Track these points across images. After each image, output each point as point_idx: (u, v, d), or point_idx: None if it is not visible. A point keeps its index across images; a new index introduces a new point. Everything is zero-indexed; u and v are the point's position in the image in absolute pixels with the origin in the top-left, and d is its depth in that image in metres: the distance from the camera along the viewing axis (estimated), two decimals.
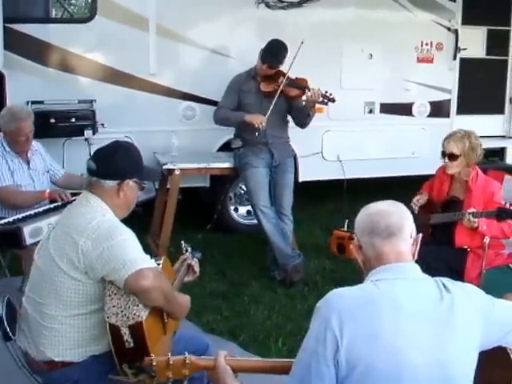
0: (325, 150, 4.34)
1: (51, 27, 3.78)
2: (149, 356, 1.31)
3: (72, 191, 2.77)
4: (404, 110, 4.53)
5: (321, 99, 3.33)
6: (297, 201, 3.58)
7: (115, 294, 1.53)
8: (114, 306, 1.50)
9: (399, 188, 4.03)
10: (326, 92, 3.33)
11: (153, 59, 3.84)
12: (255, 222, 3.65)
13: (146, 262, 1.57)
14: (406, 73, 4.51)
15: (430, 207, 2.89)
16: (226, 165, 3.67)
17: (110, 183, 1.67)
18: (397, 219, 1.25)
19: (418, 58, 4.51)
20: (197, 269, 1.90)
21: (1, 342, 1.69)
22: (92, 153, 1.90)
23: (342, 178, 4.26)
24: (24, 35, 3.57)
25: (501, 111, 4.99)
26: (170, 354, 1.28)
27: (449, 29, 4.56)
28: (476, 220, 2.61)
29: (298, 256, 3.46)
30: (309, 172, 4.19)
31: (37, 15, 3.92)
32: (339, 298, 1.19)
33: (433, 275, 1.26)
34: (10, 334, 1.63)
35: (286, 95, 3.42)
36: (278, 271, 3.42)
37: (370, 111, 4.45)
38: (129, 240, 1.59)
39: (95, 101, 3.69)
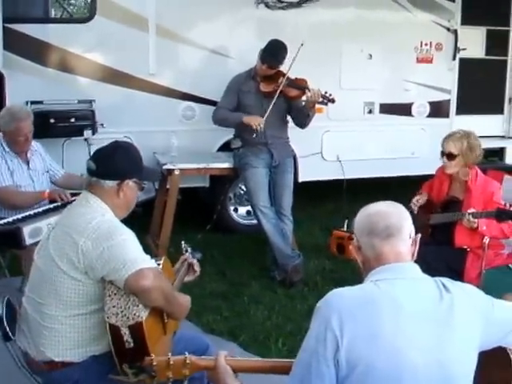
0: (324, 151, 4.34)
1: (51, 27, 3.77)
2: (149, 356, 1.31)
3: (72, 191, 2.77)
4: (403, 110, 4.53)
5: (320, 99, 3.33)
6: (296, 201, 3.58)
7: (115, 294, 1.53)
8: (114, 306, 1.50)
9: (399, 188, 4.04)
10: (326, 92, 3.33)
11: (152, 59, 3.84)
12: (255, 222, 3.65)
13: (147, 261, 1.57)
14: (406, 73, 4.51)
15: (429, 207, 2.89)
16: (226, 165, 3.67)
17: (110, 183, 1.67)
18: (396, 220, 1.25)
19: (417, 59, 4.51)
20: (197, 268, 1.90)
21: (1, 343, 1.69)
22: (91, 153, 1.90)
23: (342, 178, 4.26)
24: (23, 35, 3.57)
25: (500, 111, 4.99)
26: (170, 354, 1.28)
27: (448, 29, 4.56)
28: (475, 220, 2.61)
29: (297, 256, 3.46)
30: (308, 172, 4.19)
31: (36, 15, 3.92)
32: (339, 298, 1.19)
33: (432, 275, 1.26)
34: (10, 334, 1.63)
35: (285, 95, 3.42)
36: (278, 271, 3.42)
37: (370, 111, 4.45)
38: (129, 240, 1.59)
39: (95, 101, 3.69)
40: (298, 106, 3.47)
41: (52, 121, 3.52)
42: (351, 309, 1.16)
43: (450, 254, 2.72)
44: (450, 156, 2.75)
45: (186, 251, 1.93)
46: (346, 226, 3.83)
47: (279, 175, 3.48)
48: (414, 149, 4.51)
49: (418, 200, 2.84)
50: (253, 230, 3.90)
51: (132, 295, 1.52)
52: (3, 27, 3.44)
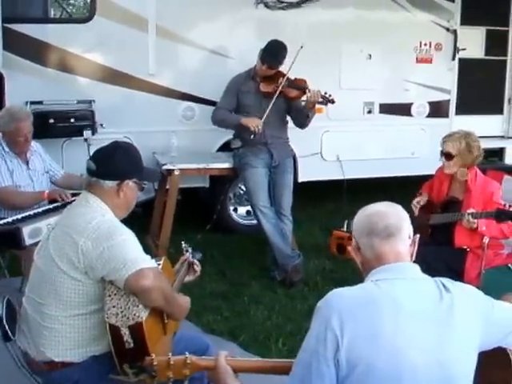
0: (324, 151, 4.34)
1: (50, 27, 3.77)
2: (149, 356, 1.31)
3: (72, 191, 2.77)
4: (403, 110, 4.53)
5: (320, 100, 3.33)
6: (296, 201, 3.58)
7: (115, 294, 1.53)
8: (113, 307, 1.50)
9: (399, 188, 4.04)
10: (326, 93, 3.33)
11: (152, 59, 3.84)
12: (255, 222, 3.66)
13: (147, 261, 1.57)
14: (405, 73, 4.51)
15: (429, 208, 2.89)
16: (226, 165, 3.67)
17: (110, 183, 1.67)
18: (395, 220, 1.26)
19: (417, 59, 4.51)
20: (197, 268, 1.90)
21: (1, 343, 1.69)
22: (91, 153, 1.90)
23: (342, 178, 4.26)
24: (23, 35, 3.57)
25: (500, 111, 4.99)
26: (170, 354, 1.28)
27: (448, 29, 4.56)
28: (475, 221, 2.62)
29: (297, 256, 3.46)
30: (308, 172, 4.19)
31: (35, 15, 3.91)
32: (339, 297, 1.19)
33: (432, 275, 1.26)
34: (10, 334, 1.63)
35: (285, 96, 3.42)
36: (278, 271, 3.42)
37: (369, 111, 4.45)
38: (129, 240, 1.59)
39: (94, 101, 3.68)
40: (297, 107, 3.47)
41: (51, 121, 3.51)
42: (351, 309, 1.16)
43: (450, 254, 2.72)
44: (448, 156, 2.76)
45: (187, 251, 1.93)
46: (345, 226, 3.83)
47: (279, 175, 3.48)
48: (414, 149, 4.51)
49: (419, 202, 2.84)
50: (253, 230, 3.90)
51: (132, 295, 1.52)
52: (2, 27, 3.44)
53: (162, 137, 3.84)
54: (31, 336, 1.63)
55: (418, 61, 4.52)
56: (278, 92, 3.35)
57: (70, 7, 4.56)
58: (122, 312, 1.50)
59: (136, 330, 1.48)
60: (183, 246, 1.95)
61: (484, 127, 4.53)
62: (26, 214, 2.57)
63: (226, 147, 3.91)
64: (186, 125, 3.99)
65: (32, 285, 1.67)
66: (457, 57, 4.62)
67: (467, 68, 4.70)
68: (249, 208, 3.92)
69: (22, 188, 2.79)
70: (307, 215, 4.44)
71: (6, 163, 2.78)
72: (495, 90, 4.92)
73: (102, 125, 3.66)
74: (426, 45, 4.51)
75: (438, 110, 4.63)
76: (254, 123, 3.29)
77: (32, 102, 3.53)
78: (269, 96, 3.38)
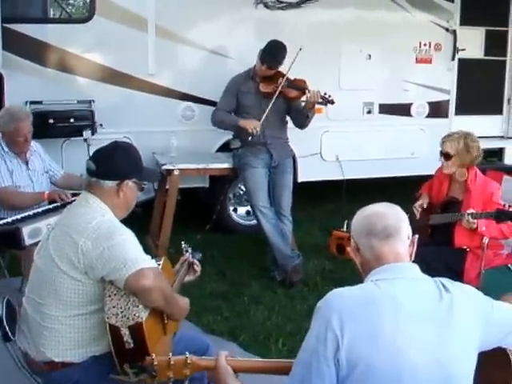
0: (324, 151, 4.34)
1: (49, 27, 3.77)
2: (149, 356, 1.31)
3: (72, 192, 2.77)
4: (403, 110, 4.54)
5: (320, 100, 3.33)
6: (296, 201, 3.59)
7: (115, 294, 1.53)
8: (113, 307, 1.50)
9: (398, 188, 4.05)
10: (325, 94, 3.33)
11: (152, 59, 3.84)
12: (254, 222, 3.66)
13: (147, 261, 1.57)
14: (405, 73, 4.52)
15: (429, 208, 2.89)
16: (225, 165, 3.67)
17: (110, 184, 1.67)
18: (394, 221, 1.26)
19: (416, 59, 4.52)
20: (197, 268, 1.90)
21: (1, 343, 1.69)
22: (91, 153, 1.90)
23: (341, 178, 4.27)
24: (22, 35, 3.56)
25: (499, 112, 4.99)
26: (170, 354, 1.28)
27: (447, 29, 4.57)
28: (475, 221, 2.62)
29: (297, 256, 3.47)
30: (308, 172, 4.19)
31: (35, 15, 3.91)
32: (339, 298, 1.19)
33: (432, 275, 1.26)
34: (10, 334, 1.63)
35: (285, 96, 3.42)
36: (278, 272, 3.42)
37: (369, 112, 4.46)
38: (129, 240, 1.59)
39: (94, 101, 3.68)
40: (297, 107, 3.47)
41: (51, 121, 3.51)
42: (351, 309, 1.16)
43: (450, 255, 2.72)
44: (446, 156, 2.76)
45: (187, 251, 1.93)
46: (345, 226, 3.83)
47: (278, 175, 3.48)
48: (414, 149, 4.51)
49: (421, 205, 2.85)
50: (252, 231, 3.90)
51: (132, 296, 1.52)
52: (2, 27, 3.44)
53: (161, 137, 3.84)
54: (31, 336, 1.63)
55: (418, 61, 4.52)
56: (277, 92, 3.35)
57: (70, 7, 4.56)
58: (122, 312, 1.50)
59: (136, 330, 1.48)
60: (183, 246, 1.95)
61: (483, 127, 4.54)
62: (26, 214, 2.57)
63: (225, 147, 3.91)
64: (186, 125, 3.98)
65: (32, 285, 1.67)
66: (456, 57, 4.62)
67: (467, 68, 4.70)
68: (248, 208, 3.92)
69: (22, 188, 2.79)
70: (307, 215, 4.44)
71: (5, 163, 2.78)
72: (495, 90, 4.92)
73: (101, 125, 3.65)
74: (425, 45, 4.51)
75: (437, 110, 4.64)
76: (252, 125, 3.29)
77: (31, 102, 3.53)
78: (268, 96, 3.38)
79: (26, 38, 3.57)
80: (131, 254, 1.55)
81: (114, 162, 1.69)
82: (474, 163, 2.77)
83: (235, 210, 4.22)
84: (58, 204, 2.67)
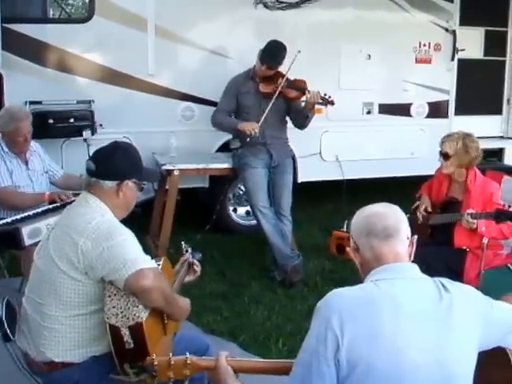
0: (323, 151, 4.35)
1: (49, 27, 3.77)
2: (149, 357, 1.31)
3: (73, 192, 2.77)
4: (402, 110, 4.54)
5: (320, 101, 3.33)
6: (296, 201, 3.58)
7: (115, 294, 1.52)
8: (113, 307, 1.50)
9: (398, 188, 4.05)
10: (325, 94, 3.33)
11: (151, 60, 3.84)
12: (254, 222, 3.66)
13: (147, 262, 1.57)
14: (405, 73, 4.52)
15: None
16: (225, 165, 3.67)
17: (109, 184, 1.67)
18: (393, 221, 1.27)
19: (416, 59, 4.52)
20: (197, 268, 1.90)
21: (1, 343, 1.68)
22: (91, 153, 1.90)
23: (341, 178, 4.27)
24: (22, 35, 3.56)
25: (499, 112, 5.00)
26: (171, 354, 1.28)
27: (447, 30, 4.57)
28: (474, 221, 2.62)
29: (297, 256, 3.46)
30: (307, 172, 4.19)
31: (34, 15, 3.91)
32: (339, 298, 1.19)
33: (432, 276, 1.26)
34: (10, 334, 1.63)
35: (284, 96, 3.42)
36: (278, 272, 3.42)
37: (369, 112, 4.46)
38: (129, 240, 1.59)
39: (94, 101, 3.68)
40: (297, 108, 3.47)
41: (51, 121, 3.51)
42: (351, 309, 1.16)
43: (450, 255, 2.72)
44: (445, 156, 2.77)
45: (186, 251, 1.93)
46: (345, 226, 3.83)
47: (278, 175, 3.48)
48: (413, 149, 4.51)
49: (425, 208, 2.84)
50: (252, 231, 3.91)
51: (132, 296, 1.52)
52: (1, 27, 3.44)
53: (161, 137, 3.84)
54: (31, 336, 1.62)
55: (417, 61, 4.53)
56: (277, 92, 3.35)
57: (69, 7, 4.56)
58: (122, 312, 1.50)
59: (136, 330, 1.48)
60: (183, 246, 1.95)
61: (483, 127, 4.55)
62: (26, 214, 2.57)
63: (225, 147, 3.91)
64: (186, 125, 3.98)
65: (32, 285, 1.66)
66: (456, 57, 4.62)
67: (466, 68, 4.70)
68: (248, 208, 3.92)
69: (22, 188, 2.79)
70: (307, 215, 4.45)
71: (5, 163, 2.78)
72: (494, 90, 4.93)
73: (101, 125, 3.65)
74: (425, 45, 4.52)
75: (437, 110, 4.64)
76: (251, 127, 3.30)
77: (31, 102, 3.53)
78: (268, 96, 3.38)
79: (25, 38, 3.57)
80: (131, 254, 1.55)
81: (114, 162, 1.69)
82: (472, 164, 2.77)
83: (235, 210, 4.23)
84: (58, 204, 2.67)
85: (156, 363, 1.25)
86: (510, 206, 2.61)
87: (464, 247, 2.75)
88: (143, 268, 1.53)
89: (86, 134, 3.55)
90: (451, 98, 4.68)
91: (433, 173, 3.00)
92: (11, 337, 1.64)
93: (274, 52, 3.37)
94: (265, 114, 3.32)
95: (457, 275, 2.57)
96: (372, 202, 1.33)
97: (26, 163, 2.85)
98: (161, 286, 1.56)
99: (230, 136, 3.71)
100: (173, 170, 3.50)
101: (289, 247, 3.46)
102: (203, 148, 3.95)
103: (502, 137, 5.02)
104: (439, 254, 2.70)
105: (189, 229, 3.81)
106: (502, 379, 1.29)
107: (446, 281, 1.24)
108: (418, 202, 2.97)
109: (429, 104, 4.60)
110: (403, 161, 4.48)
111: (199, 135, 3.94)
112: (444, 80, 4.63)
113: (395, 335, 1.14)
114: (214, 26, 3.98)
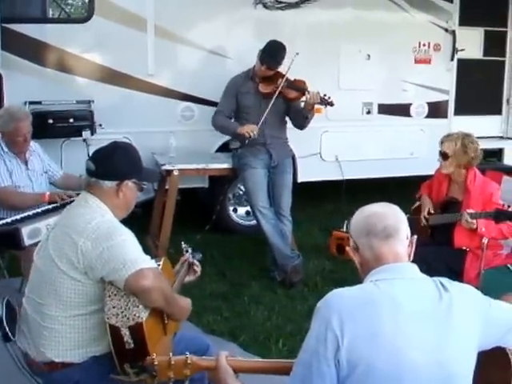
0: (323, 151, 4.35)
1: (48, 27, 3.77)
2: (149, 357, 1.31)
3: (74, 191, 2.77)
4: (402, 110, 4.54)
5: (319, 101, 3.33)
6: (296, 201, 3.58)
7: (115, 294, 1.52)
8: (113, 307, 1.50)
9: (398, 188, 4.05)
10: (325, 95, 3.33)
11: (151, 60, 3.84)
12: (254, 222, 3.66)
13: (147, 262, 1.57)
14: (404, 74, 4.52)
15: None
16: (225, 165, 3.67)
17: (109, 184, 1.67)
18: (393, 221, 1.27)
19: (415, 59, 4.52)
20: (197, 268, 1.90)
21: (1, 343, 1.68)
22: (90, 153, 1.90)
23: (341, 178, 4.27)
24: (21, 35, 3.56)
25: (498, 112, 5.00)
26: (171, 355, 1.28)
27: (446, 30, 4.57)
28: (474, 221, 2.62)
29: (297, 257, 3.47)
30: (307, 173, 4.19)
31: (34, 15, 3.90)
32: (339, 298, 1.19)
33: (432, 276, 1.27)
34: (10, 335, 1.63)
35: (284, 97, 3.42)
36: (278, 272, 3.42)
37: (368, 112, 4.46)
38: (128, 240, 1.59)
39: (93, 101, 3.68)
40: (296, 108, 3.47)
41: (50, 121, 3.51)
42: (351, 309, 1.16)
43: (450, 255, 2.73)
44: (444, 156, 2.77)
45: (186, 252, 1.93)
46: (345, 226, 3.83)
47: (278, 175, 3.48)
48: (413, 149, 4.51)
49: (429, 210, 2.84)
50: (252, 231, 3.91)
51: (132, 296, 1.52)
52: (1, 27, 3.44)
53: (161, 137, 3.84)
54: (31, 336, 1.62)
55: (417, 61, 4.53)
56: (277, 93, 3.35)
57: (69, 7, 4.55)
58: (122, 312, 1.49)
59: (136, 330, 1.48)
60: (183, 246, 1.95)
61: (483, 128, 4.55)
62: (26, 214, 2.57)
63: (225, 147, 3.91)
64: (185, 125, 3.99)
65: (32, 285, 1.66)
66: (455, 57, 4.63)
67: (466, 68, 4.71)
68: (248, 208, 3.92)
69: (21, 188, 2.79)
70: (306, 215, 4.45)
71: (5, 163, 2.78)
72: (494, 90, 4.93)
73: (100, 125, 3.65)
74: (424, 45, 4.52)
75: (436, 110, 4.64)
76: (249, 129, 3.30)
77: (31, 102, 3.53)
78: (268, 97, 3.39)
79: (25, 38, 3.57)
80: (131, 255, 1.55)
81: (114, 163, 1.69)
82: (471, 164, 2.77)
83: (235, 211, 4.23)
84: (58, 204, 2.67)
85: (156, 363, 1.25)
86: (509, 206, 2.61)
87: (464, 247, 2.75)
88: (143, 268, 1.53)
89: (86, 134, 3.55)
90: (451, 98, 4.69)
91: (432, 173, 3.01)
92: (11, 337, 1.64)
93: (273, 52, 3.37)
94: (265, 114, 3.32)
95: (457, 275, 2.57)
96: (372, 202, 1.33)
97: (26, 163, 2.85)
98: (161, 286, 1.56)
99: (229, 136, 3.71)
100: (172, 170, 3.50)
101: (289, 247, 3.46)
102: (203, 148, 3.95)
103: (501, 137, 5.02)
104: (439, 254, 2.70)
105: (189, 229, 3.81)
106: (501, 379, 1.29)
107: (445, 281, 1.24)
108: (417, 203, 2.97)
109: (428, 104, 4.60)
110: (403, 161, 4.48)
111: (199, 135, 3.94)
112: (443, 80, 4.63)
113: (395, 335, 1.14)
114: (213, 26, 3.98)
